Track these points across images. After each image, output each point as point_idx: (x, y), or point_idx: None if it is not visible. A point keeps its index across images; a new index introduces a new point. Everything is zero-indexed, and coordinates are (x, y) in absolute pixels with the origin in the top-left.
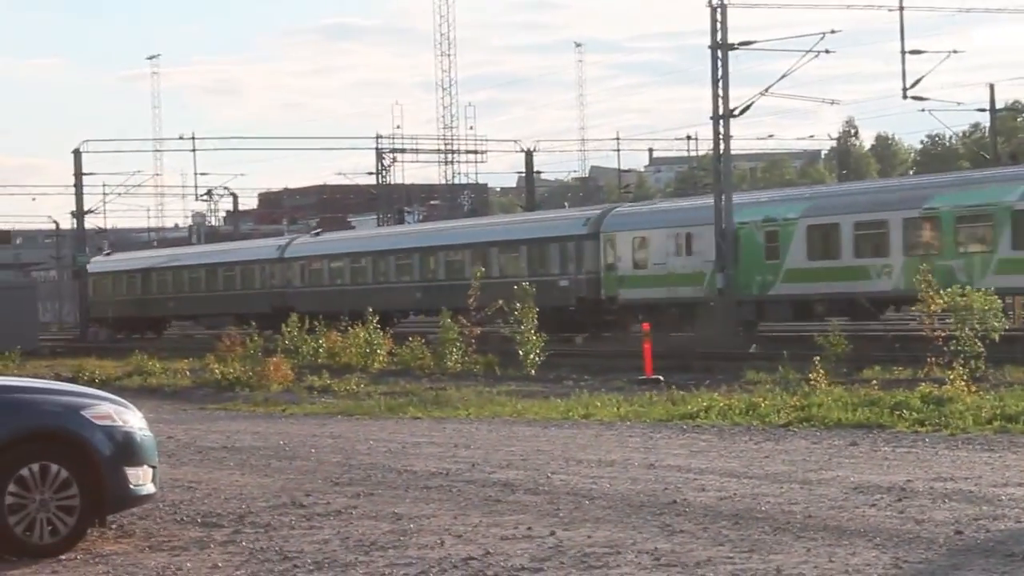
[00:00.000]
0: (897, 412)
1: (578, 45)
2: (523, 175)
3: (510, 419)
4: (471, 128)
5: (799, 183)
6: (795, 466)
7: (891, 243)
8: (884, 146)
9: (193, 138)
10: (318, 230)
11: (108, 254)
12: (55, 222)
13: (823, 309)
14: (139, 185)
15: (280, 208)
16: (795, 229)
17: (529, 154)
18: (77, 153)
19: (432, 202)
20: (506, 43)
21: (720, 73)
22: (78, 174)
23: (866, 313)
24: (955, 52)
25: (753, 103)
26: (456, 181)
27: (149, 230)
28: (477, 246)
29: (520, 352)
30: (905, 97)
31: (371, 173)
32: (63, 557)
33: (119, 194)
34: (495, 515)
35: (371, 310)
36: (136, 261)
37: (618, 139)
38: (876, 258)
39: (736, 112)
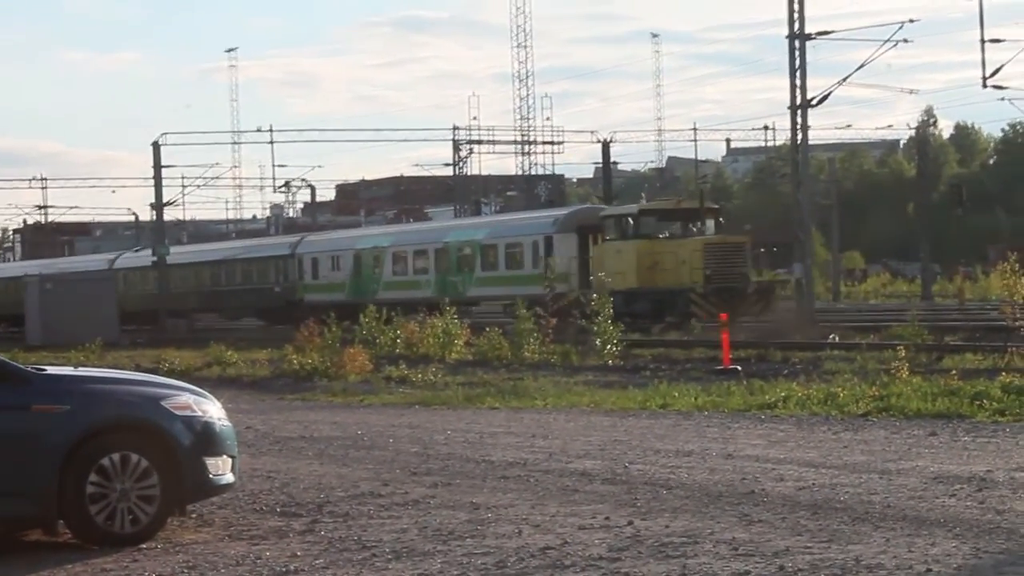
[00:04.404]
0: (977, 402)
1: (655, 36)
2: (600, 166)
3: (587, 409)
4: (548, 119)
5: (877, 173)
6: (874, 456)
7: (430, 264)
8: (963, 135)
9: (271, 130)
10: (139, 247)
11: None
12: (134, 214)
13: (402, 310)
14: (217, 177)
15: (357, 199)
16: (387, 254)
17: (606, 145)
18: (156, 146)
19: (509, 193)
20: (578, 35)
21: (798, 63)
22: (157, 166)
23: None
24: None
25: (831, 93)
26: (533, 172)
27: (227, 222)
28: (229, 262)
29: (597, 342)
30: (985, 86)
31: (448, 164)
32: (143, 546)
33: (198, 186)
34: (572, 505)
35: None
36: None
37: (695, 129)
38: (423, 275)
39: (814, 102)
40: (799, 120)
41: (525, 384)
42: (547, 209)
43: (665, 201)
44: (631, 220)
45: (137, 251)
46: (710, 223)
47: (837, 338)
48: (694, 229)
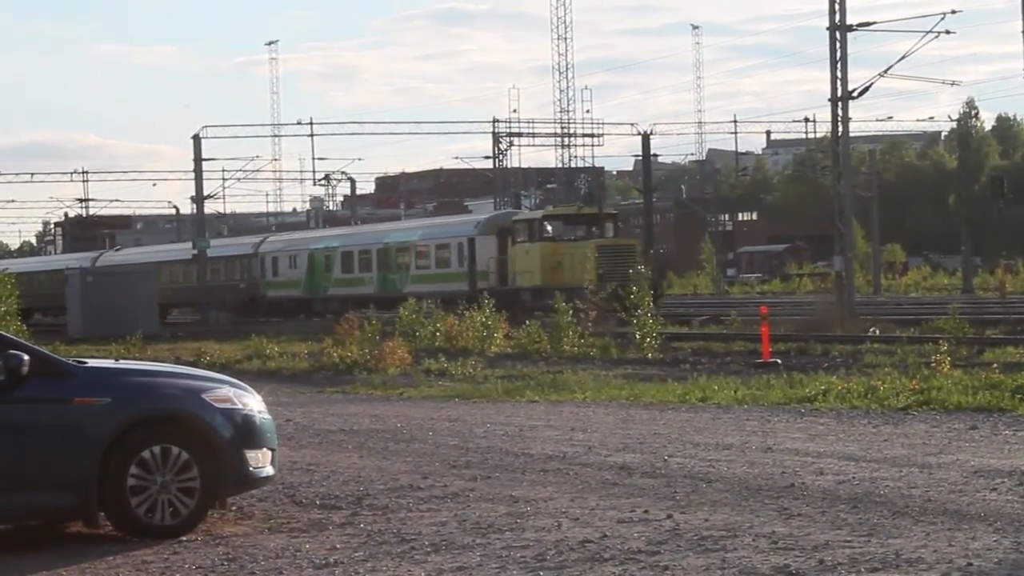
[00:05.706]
0: (1019, 395)
1: (695, 27)
2: (640, 158)
3: (627, 402)
4: (587, 111)
5: (919, 165)
6: (914, 450)
7: (373, 264)
8: (1005, 127)
9: (311, 123)
10: (118, 247)
11: None
12: (175, 207)
13: (352, 304)
14: (258, 170)
15: (397, 192)
16: (336, 254)
17: (646, 137)
18: (197, 138)
19: (549, 186)
20: (618, 27)
21: (839, 55)
22: (197, 159)
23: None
24: None
25: (872, 84)
26: (573, 165)
27: (268, 215)
28: (199, 259)
29: (637, 336)
30: None
31: (488, 157)
32: (184, 538)
33: (238, 179)
34: (612, 498)
35: None
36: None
37: (735, 122)
38: (367, 272)
39: (855, 94)
40: (840, 112)
41: (564, 377)
42: (471, 214)
43: (568, 207)
44: (537, 224)
45: (117, 250)
46: (608, 227)
47: (877, 331)
48: (595, 232)
